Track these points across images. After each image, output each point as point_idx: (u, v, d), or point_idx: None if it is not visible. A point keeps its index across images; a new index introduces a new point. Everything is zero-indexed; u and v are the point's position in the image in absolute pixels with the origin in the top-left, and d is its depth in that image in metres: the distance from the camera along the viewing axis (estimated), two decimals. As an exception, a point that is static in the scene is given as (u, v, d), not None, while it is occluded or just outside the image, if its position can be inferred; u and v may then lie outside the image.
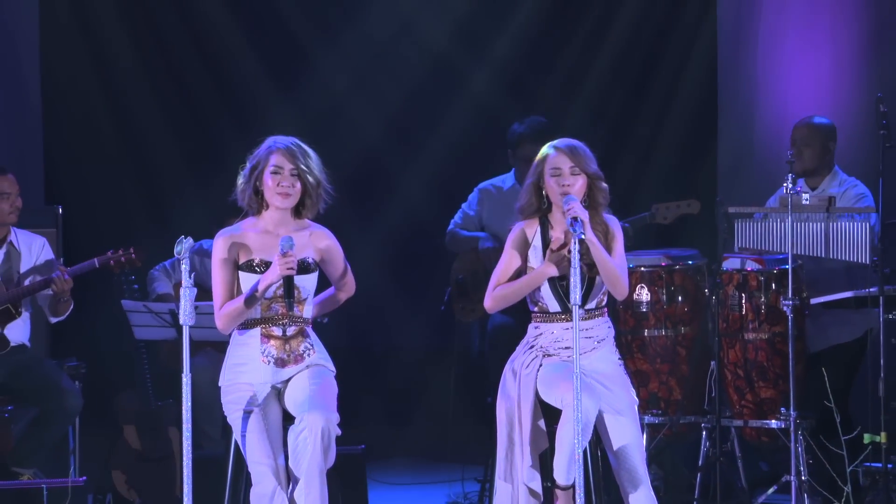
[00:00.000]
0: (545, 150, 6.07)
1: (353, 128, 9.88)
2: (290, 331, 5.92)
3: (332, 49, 9.97)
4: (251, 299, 5.81)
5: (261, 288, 5.79)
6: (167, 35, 9.86)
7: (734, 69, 9.46)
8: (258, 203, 5.95)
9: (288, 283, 5.80)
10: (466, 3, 9.97)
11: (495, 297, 6.05)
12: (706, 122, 9.61)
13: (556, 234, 6.04)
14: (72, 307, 7.54)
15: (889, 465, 6.96)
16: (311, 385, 5.85)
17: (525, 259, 6.04)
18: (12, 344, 7.45)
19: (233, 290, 5.92)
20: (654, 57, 9.88)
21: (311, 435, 5.69)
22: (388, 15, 9.97)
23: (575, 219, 5.77)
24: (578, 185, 5.95)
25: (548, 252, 5.96)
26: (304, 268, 5.92)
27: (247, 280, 5.90)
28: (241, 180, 5.95)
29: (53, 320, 7.63)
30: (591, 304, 5.96)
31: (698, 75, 9.71)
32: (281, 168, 5.89)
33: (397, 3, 9.98)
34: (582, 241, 5.73)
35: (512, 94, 9.85)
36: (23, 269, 7.57)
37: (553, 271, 5.91)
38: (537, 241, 6.03)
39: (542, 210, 6.05)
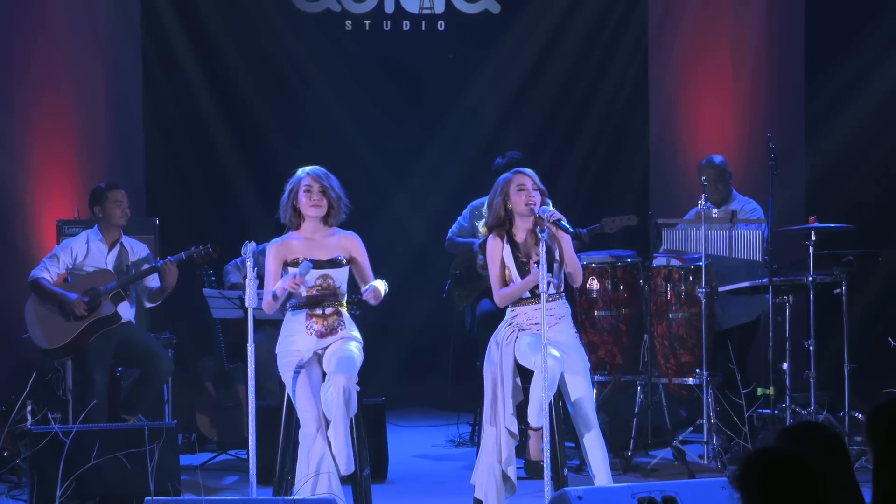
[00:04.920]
0: (509, 174, 6.06)
1: (385, 160, 9.87)
2: (328, 311, 5.96)
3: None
4: (275, 296, 5.91)
5: (278, 292, 5.88)
6: (242, 80, 9.71)
7: (662, 114, 9.47)
8: (297, 218, 6.02)
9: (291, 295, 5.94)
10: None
11: (502, 297, 6.01)
12: (640, 156, 9.61)
13: (521, 237, 6.04)
14: (163, 299, 7.56)
15: (776, 412, 7.00)
16: (339, 354, 5.89)
17: (504, 265, 6.05)
18: (123, 320, 7.48)
19: (277, 281, 5.99)
20: (596, 112, 9.74)
21: (336, 391, 5.71)
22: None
23: (559, 220, 5.83)
24: (538, 198, 5.97)
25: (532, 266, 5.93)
26: (336, 263, 5.96)
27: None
28: (282, 203, 6.03)
29: (148, 305, 7.60)
30: (553, 290, 5.95)
31: (636, 119, 9.66)
32: (311, 187, 5.98)
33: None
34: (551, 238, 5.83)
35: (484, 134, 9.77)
36: (129, 263, 7.64)
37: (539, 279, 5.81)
38: (507, 253, 6.02)
39: (506, 224, 6.04)
